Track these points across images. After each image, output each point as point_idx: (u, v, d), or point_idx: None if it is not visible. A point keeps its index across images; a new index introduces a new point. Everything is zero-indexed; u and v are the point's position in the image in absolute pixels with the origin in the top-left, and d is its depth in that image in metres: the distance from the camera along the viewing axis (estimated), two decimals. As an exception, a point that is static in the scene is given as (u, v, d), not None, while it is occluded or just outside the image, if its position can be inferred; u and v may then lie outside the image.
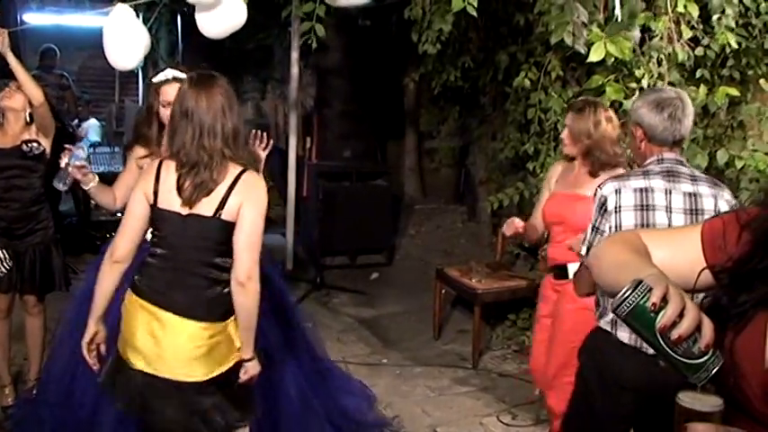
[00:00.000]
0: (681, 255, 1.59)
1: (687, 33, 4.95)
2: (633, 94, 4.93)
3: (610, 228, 2.87)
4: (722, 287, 1.48)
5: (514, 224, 4.13)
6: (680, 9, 4.81)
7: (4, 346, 4.73)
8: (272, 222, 9.73)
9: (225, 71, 3.14)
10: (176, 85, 3.64)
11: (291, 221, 7.79)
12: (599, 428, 3.04)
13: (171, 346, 2.83)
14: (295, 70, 7.54)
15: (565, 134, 3.92)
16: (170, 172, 2.86)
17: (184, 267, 2.88)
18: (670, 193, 2.87)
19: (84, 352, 2.97)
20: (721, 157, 5.10)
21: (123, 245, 2.88)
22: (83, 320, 3.71)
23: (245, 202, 2.81)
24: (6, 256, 4.44)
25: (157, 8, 7.36)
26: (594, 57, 4.54)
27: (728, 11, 4.73)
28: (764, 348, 1.38)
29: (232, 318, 2.90)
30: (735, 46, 4.85)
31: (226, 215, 2.81)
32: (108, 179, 8.20)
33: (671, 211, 2.85)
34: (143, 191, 2.90)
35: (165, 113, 3.56)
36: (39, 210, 4.60)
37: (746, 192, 5.11)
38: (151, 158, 3.61)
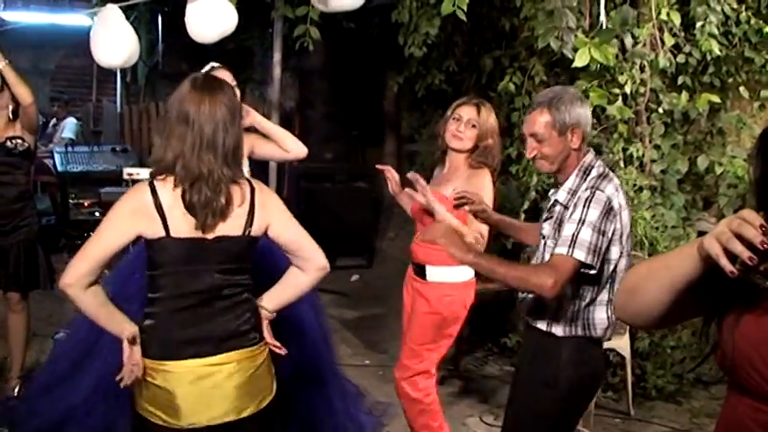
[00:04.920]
0: (686, 266, 1.54)
1: (669, 41, 5.03)
2: (616, 100, 5.01)
3: (615, 230, 2.78)
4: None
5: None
6: (663, 17, 4.90)
7: (-14, 343, 4.71)
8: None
9: (204, 73, 3.06)
10: (223, 72, 3.67)
11: (272, 223, 7.78)
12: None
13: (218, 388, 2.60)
14: (277, 72, 7.54)
15: (469, 129, 3.78)
16: (172, 193, 2.50)
17: (213, 296, 2.60)
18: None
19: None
20: (701, 162, 5.19)
21: (76, 271, 2.47)
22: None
23: (272, 214, 2.64)
24: (-10, 252, 4.43)
25: (137, 6, 7.35)
26: (579, 62, 4.61)
27: (712, 18, 4.81)
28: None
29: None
30: (718, 53, 4.93)
31: (255, 231, 2.60)
32: (86, 178, 8.27)
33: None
34: (132, 227, 2.52)
35: None
36: (23, 206, 4.60)
37: (725, 197, 5.21)
38: None
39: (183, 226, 2.49)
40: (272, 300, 2.75)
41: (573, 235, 2.72)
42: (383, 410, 4.82)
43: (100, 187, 7.93)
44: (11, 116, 4.54)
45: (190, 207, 2.48)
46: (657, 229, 5.01)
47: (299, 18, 4.92)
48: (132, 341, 2.55)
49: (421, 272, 3.89)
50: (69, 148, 8.86)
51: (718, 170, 5.16)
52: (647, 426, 4.86)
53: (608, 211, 2.76)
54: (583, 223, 2.73)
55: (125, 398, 3.01)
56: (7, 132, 4.51)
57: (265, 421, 2.71)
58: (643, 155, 5.18)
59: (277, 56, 7.46)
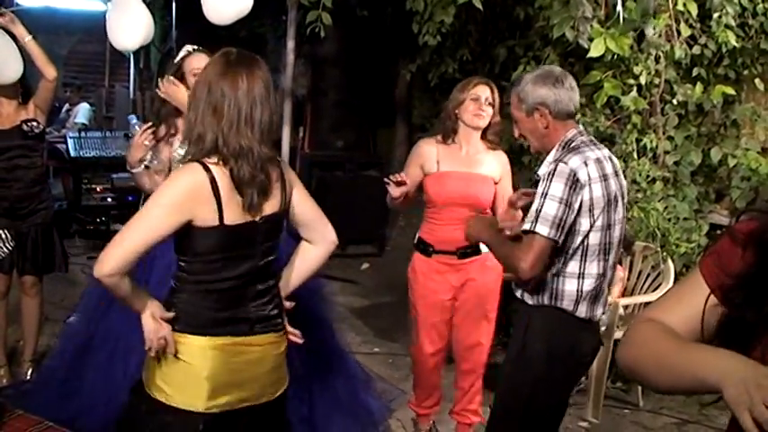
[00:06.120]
0: (694, 304, 1.51)
1: (686, 31, 5.01)
2: (630, 91, 5.00)
3: (582, 201, 2.82)
4: (741, 304, 1.42)
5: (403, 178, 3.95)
6: (680, 7, 4.87)
7: (0, 327, 4.72)
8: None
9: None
10: (200, 55, 3.70)
11: (283, 210, 7.79)
12: (556, 408, 3.12)
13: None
14: (290, 59, 7.51)
15: (488, 107, 3.95)
16: (223, 174, 2.42)
17: (251, 280, 2.57)
18: (606, 159, 2.95)
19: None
20: (715, 154, 5.18)
21: (116, 260, 2.35)
22: (99, 306, 3.80)
23: (293, 188, 2.65)
24: (8, 236, 4.44)
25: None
26: (595, 52, 4.60)
27: (728, 9, 4.79)
28: None
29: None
30: (734, 44, 4.90)
31: (287, 205, 2.62)
32: (98, 163, 8.29)
33: (611, 177, 2.93)
34: (187, 212, 2.40)
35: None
36: (41, 190, 4.62)
37: (737, 190, 5.19)
38: (167, 136, 3.67)
39: (236, 211, 2.44)
40: (285, 285, 2.74)
41: (537, 210, 2.80)
42: (392, 395, 4.83)
43: (112, 173, 7.95)
44: (20, 100, 4.54)
45: (239, 185, 2.42)
46: (670, 220, 5.00)
47: (312, 4, 4.92)
48: (157, 316, 2.48)
49: (471, 253, 3.97)
50: (82, 134, 8.86)
51: (732, 162, 5.14)
52: (657, 417, 4.86)
53: (573, 182, 2.80)
54: (546, 197, 2.79)
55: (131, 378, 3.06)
56: (20, 116, 4.50)
57: (278, 410, 2.71)
58: (656, 146, 5.17)
59: (290, 43, 7.42)
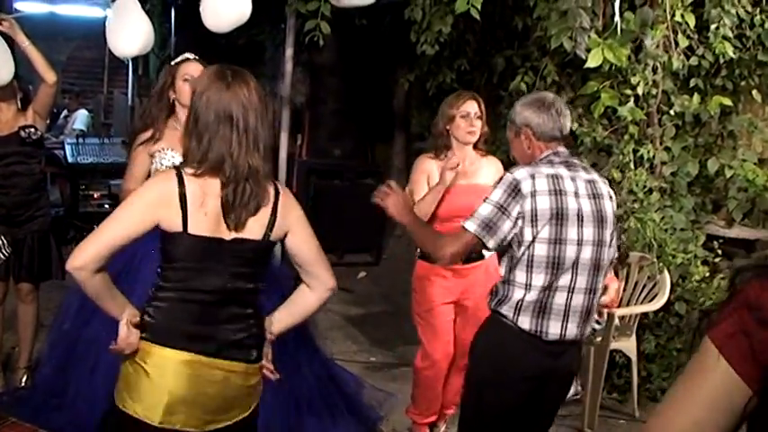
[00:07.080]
0: (713, 396, 1.22)
1: (683, 42, 5.02)
2: (628, 101, 5.01)
3: (522, 212, 2.88)
4: None
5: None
6: (677, 18, 4.88)
7: (-5, 333, 4.71)
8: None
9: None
10: (196, 64, 3.70)
11: (280, 218, 7.77)
12: (494, 423, 3.09)
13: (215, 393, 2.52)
14: (289, 67, 7.53)
15: (477, 121, 4.12)
16: (205, 191, 2.41)
17: (223, 299, 2.52)
18: (574, 180, 3.00)
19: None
20: (711, 165, 5.18)
21: (87, 254, 2.34)
22: (81, 311, 3.79)
23: (293, 224, 2.55)
24: (5, 242, 4.43)
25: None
26: (593, 62, 4.61)
27: (726, 21, 4.80)
28: None
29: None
30: (732, 55, 4.91)
31: (273, 236, 2.50)
32: (96, 170, 8.28)
33: (578, 196, 2.98)
34: (154, 214, 2.40)
35: (185, 89, 3.62)
36: (39, 197, 4.61)
37: (734, 201, 5.20)
38: (153, 140, 3.67)
39: (201, 223, 2.40)
40: (278, 323, 2.67)
41: (474, 210, 2.93)
42: (385, 401, 4.82)
43: (110, 179, 7.95)
44: (19, 105, 4.54)
45: (227, 206, 2.40)
46: (666, 231, 5.00)
47: (311, 13, 4.94)
48: (131, 324, 2.45)
49: (474, 258, 4.07)
50: (80, 140, 8.87)
51: (729, 173, 5.15)
52: (653, 428, 4.85)
53: (513, 190, 2.90)
54: (485, 200, 2.92)
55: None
56: (18, 122, 4.49)
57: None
58: (653, 156, 5.18)
59: (289, 51, 7.43)
